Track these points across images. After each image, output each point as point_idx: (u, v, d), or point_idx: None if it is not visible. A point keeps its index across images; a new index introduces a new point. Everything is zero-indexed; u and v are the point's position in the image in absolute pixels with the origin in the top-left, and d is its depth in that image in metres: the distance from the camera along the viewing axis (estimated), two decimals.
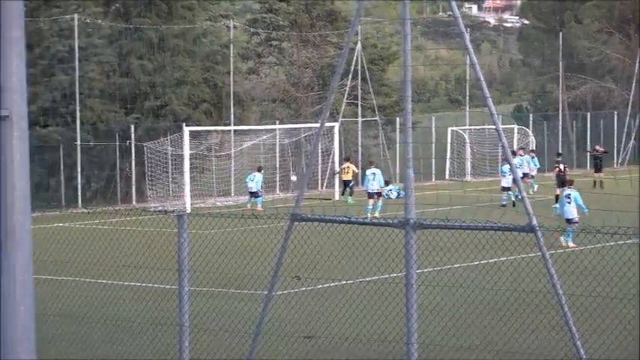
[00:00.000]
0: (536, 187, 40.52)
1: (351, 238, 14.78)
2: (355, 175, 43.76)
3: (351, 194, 42.12)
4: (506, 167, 38.70)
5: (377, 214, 33.01)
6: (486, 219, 10.86)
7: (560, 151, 48.87)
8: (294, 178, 43.47)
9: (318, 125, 12.81)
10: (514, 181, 13.13)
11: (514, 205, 34.74)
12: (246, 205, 37.79)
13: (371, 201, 34.27)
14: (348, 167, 42.51)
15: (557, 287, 10.15)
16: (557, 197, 37.70)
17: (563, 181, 38.14)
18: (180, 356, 10.96)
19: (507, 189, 37.33)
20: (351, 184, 42.46)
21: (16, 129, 6.74)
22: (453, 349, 13.68)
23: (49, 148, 39.33)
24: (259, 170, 39.10)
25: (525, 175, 39.95)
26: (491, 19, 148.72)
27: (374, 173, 35.15)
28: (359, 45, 50.07)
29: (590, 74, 62.61)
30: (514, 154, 42.46)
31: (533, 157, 42.93)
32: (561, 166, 38.34)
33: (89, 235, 25.33)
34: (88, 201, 40.09)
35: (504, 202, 36.49)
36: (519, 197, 11.67)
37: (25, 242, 6.83)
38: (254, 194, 37.96)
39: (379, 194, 34.89)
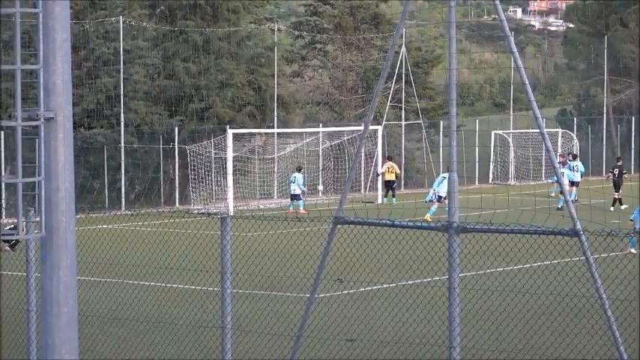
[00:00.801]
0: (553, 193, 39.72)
1: (394, 242, 14.76)
2: (398, 175, 43.70)
3: (394, 195, 42.03)
4: (573, 165, 38.99)
5: (428, 217, 32.79)
6: (530, 223, 10.78)
7: (619, 156, 48.56)
8: (321, 187, 43.43)
9: (361, 128, 12.83)
10: (559, 184, 12.98)
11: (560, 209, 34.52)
12: (289, 209, 37.80)
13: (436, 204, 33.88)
14: (392, 167, 42.50)
15: (601, 292, 10.07)
16: (614, 201, 37.40)
17: (618, 185, 38.03)
18: (223, 358, 10.98)
19: (575, 184, 37.61)
20: (394, 185, 42.39)
21: (61, 130, 6.77)
22: (496, 353, 13.61)
23: (93, 150, 39.63)
24: (299, 170, 39.16)
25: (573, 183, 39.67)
26: (536, 23, 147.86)
27: (444, 177, 35.02)
28: (403, 48, 50.00)
29: (635, 78, 62.00)
30: (574, 157, 42.35)
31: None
32: (616, 171, 38.18)
33: (132, 237, 25.47)
34: (132, 203, 40.30)
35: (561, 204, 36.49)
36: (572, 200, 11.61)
37: (70, 243, 6.84)
38: (296, 197, 38.02)
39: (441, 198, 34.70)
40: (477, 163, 48.07)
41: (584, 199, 37.95)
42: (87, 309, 15.75)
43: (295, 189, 38.03)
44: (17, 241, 26.49)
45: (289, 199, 38.93)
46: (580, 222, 10.28)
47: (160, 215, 22.16)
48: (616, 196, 37.56)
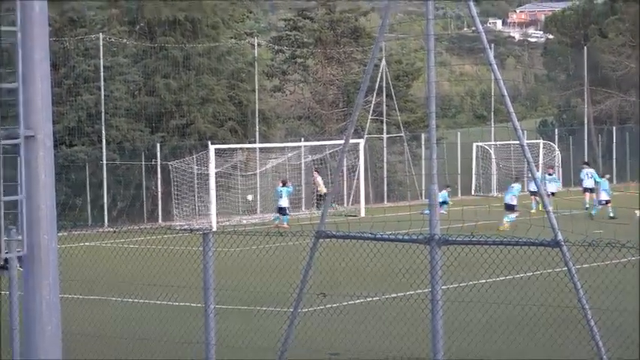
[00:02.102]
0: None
1: (377, 255, 14.80)
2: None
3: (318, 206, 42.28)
4: (585, 172, 39.39)
5: (507, 225, 33.17)
6: (512, 234, 10.84)
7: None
8: (249, 197, 43.43)
9: (343, 142, 12.86)
10: (538, 193, 12.98)
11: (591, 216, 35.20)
12: (273, 222, 37.87)
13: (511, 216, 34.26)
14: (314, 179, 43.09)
15: (584, 302, 10.15)
16: None
17: None
18: None
19: (590, 190, 38.01)
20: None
21: (42, 148, 6.77)
22: None
23: (75, 168, 39.61)
24: (284, 184, 39.18)
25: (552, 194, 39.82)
26: (516, 34, 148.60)
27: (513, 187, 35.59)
28: (383, 61, 50.16)
29: (615, 88, 62.45)
30: (586, 162, 42.76)
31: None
32: None
33: (115, 254, 25.44)
34: (114, 220, 40.26)
35: (587, 207, 37.25)
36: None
37: (52, 262, 6.83)
38: (282, 210, 38.07)
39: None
40: (459, 176, 48.20)
41: (565, 210, 38.11)
42: (70, 327, 15.68)
43: (282, 202, 38.13)
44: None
45: (275, 212, 38.99)
46: (561, 232, 10.35)
47: (143, 232, 22.13)
48: None
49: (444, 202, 40.79)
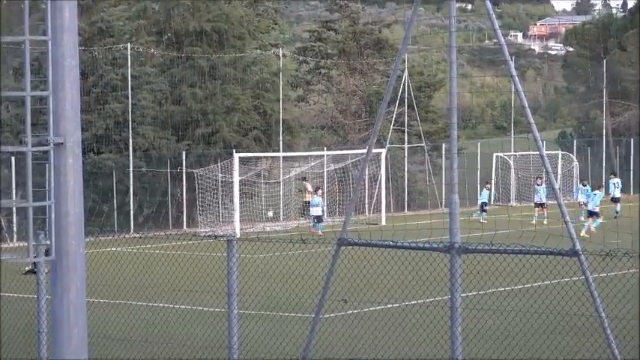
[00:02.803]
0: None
1: (397, 262, 15.03)
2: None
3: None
4: (613, 182, 39.90)
5: (593, 227, 33.86)
6: (530, 243, 11.05)
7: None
8: (270, 214, 43.58)
9: (365, 151, 13.03)
10: (541, 205, 13.20)
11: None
12: (311, 229, 38.37)
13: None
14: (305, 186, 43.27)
15: (600, 310, 10.15)
16: None
17: None
18: None
19: (618, 200, 38.62)
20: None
21: (70, 156, 6.81)
22: None
23: (102, 175, 39.91)
24: (316, 191, 39.69)
25: (541, 205, 40.08)
26: (536, 47, 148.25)
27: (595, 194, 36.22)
28: (406, 72, 50.44)
29: (633, 100, 62.33)
30: (613, 173, 43.08)
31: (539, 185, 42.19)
32: None
33: (141, 259, 25.72)
34: (140, 226, 40.47)
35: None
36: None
37: (79, 266, 6.87)
38: (318, 218, 38.63)
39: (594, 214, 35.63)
40: (478, 185, 48.33)
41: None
42: (96, 330, 15.85)
43: (317, 210, 38.75)
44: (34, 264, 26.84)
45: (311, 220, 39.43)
46: (579, 242, 10.53)
47: (168, 238, 22.32)
48: None
49: (483, 204, 41.26)
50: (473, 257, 11.68)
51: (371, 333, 16.27)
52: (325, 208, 39.40)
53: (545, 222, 38.65)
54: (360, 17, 57.31)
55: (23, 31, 6.62)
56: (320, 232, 37.20)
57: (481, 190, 44.48)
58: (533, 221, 38.42)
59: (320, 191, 40.23)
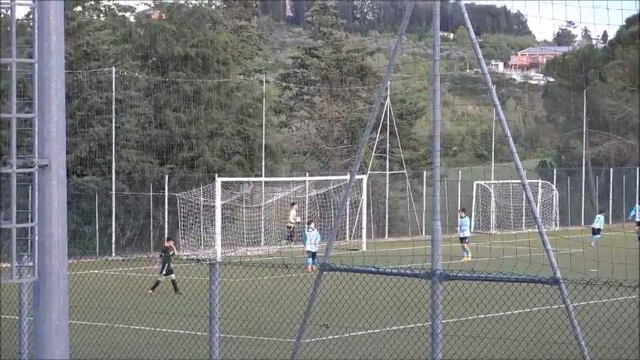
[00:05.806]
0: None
1: (379, 288, 15.13)
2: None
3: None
4: (638, 208, 41.50)
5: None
6: (511, 271, 11.19)
7: None
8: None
9: (346, 177, 13.23)
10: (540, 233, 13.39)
11: None
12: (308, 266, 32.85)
13: None
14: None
15: (580, 339, 10.32)
16: None
17: None
18: None
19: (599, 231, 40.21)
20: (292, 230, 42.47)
21: (55, 177, 6.88)
22: None
23: (85, 197, 39.95)
24: (309, 224, 36.86)
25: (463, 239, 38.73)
26: (517, 76, 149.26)
27: None
28: (388, 100, 50.78)
29: (613, 131, 62.95)
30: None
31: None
32: None
33: (122, 282, 25.72)
34: (122, 249, 40.58)
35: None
36: None
37: (62, 288, 6.91)
38: (313, 255, 34.18)
39: None
40: (459, 213, 48.55)
41: (564, 248, 38.42)
42: (78, 353, 15.88)
43: (310, 246, 34.90)
44: (158, 282, 26.86)
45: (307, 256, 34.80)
46: (560, 270, 10.67)
47: (150, 261, 22.36)
48: None
49: (464, 233, 38.89)
50: (454, 284, 11.79)
51: (352, 358, 16.36)
52: (319, 238, 36.55)
53: (466, 258, 36.22)
54: (344, 45, 57.67)
55: (10, 54, 6.69)
56: (309, 268, 32.52)
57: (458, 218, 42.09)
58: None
59: (313, 224, 37.01)
